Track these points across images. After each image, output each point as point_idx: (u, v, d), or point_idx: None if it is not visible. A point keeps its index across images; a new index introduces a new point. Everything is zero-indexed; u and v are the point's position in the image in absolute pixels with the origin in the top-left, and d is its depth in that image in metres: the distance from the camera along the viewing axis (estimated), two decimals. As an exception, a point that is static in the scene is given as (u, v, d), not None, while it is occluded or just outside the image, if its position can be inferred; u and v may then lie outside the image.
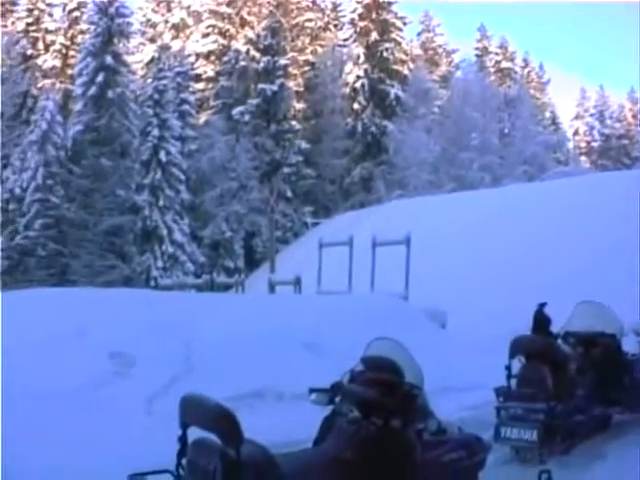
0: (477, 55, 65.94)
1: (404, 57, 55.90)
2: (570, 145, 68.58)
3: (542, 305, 9.99)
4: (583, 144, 69.63)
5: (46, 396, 10.01)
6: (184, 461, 4.38)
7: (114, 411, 9.87)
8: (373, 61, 53.60)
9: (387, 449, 4.81)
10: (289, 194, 47.02)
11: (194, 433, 4.41)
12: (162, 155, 40.12)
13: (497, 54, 67.93)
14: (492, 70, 65.82)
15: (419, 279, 21.45)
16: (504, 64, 67.31)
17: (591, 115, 69.88)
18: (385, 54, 53.78)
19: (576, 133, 70.44)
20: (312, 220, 46.70)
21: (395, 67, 54.11)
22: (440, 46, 67.05)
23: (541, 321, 9.82)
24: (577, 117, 70.89)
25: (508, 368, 9.12)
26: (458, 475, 5.16)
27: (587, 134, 69.68)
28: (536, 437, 8.48)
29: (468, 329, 17.87)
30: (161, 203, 39.67)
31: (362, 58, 53.48)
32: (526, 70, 69.85)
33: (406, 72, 54.94)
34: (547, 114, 68.03)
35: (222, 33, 52.84)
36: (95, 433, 9.02)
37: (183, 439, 4.40)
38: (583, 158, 67.92)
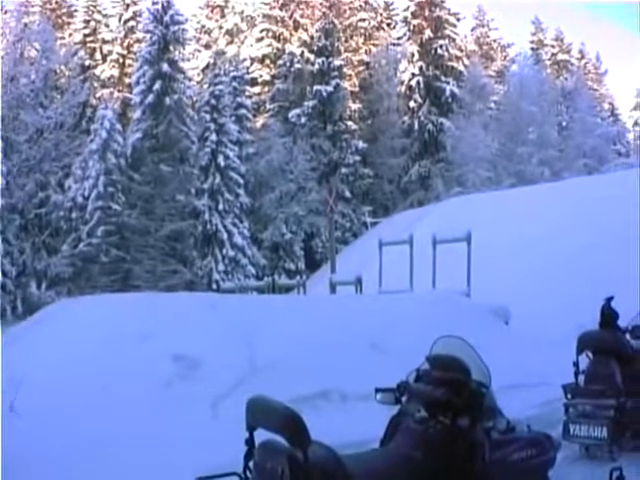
0: (532, 48, 65.18)
1: (459, 53, 55.51)
2: (630, 136, 67.30)
3: (609, 299, 9.78)
4: (644, 135, 68.46)
5: (112, 400, 10.15)
6: (251, 463, 4.39)
7: (179, 414, 9.97)
8: (428, 58, 53.32)
9: (455, 448, 4.76)
10: (347, 194, 47.02)
11: (261, 435, 4.41)
12: (220, 159, 40.36)
13: (553, 46, 67.12)
14: (548, 63, 65.03)
15: (481, 276, 21.28)
16: (560, 56, 66.48)
17: (651, 105, 68.74)
18: (439, 51, 53.46)
19: (636, 124, 69.09)
20: (371, 220, 46.62)
21: (450, 64, 53.76)
22: (495, 41, 66.50)
23: (608, 316, 9.61)
24: (636, 108, 69.65)
25: (576, 364, 8.99)
26: (528, 473, 5.09)
27: (647, 125, 68.53)
28: (606, 434, 8.35)
29: (532, 325, 17.71)
30: (221, 207, 39.92)
31: (416, 56, 53.22)
32: (583, 62, 68.90)
33: (461, 68, 54.56)
34: (606, 105, 67.02)
35: (276, 37, 53.04)
36: (161, 436, 9.12)
37: (250, 441, 4.40)
38: (644, 149, 66.77)
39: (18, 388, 10.74)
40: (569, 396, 8.90)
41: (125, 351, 11.44)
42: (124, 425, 9.47)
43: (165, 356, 11.35)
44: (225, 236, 39.49)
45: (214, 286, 35.68)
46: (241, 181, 41.54)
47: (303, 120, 48.14)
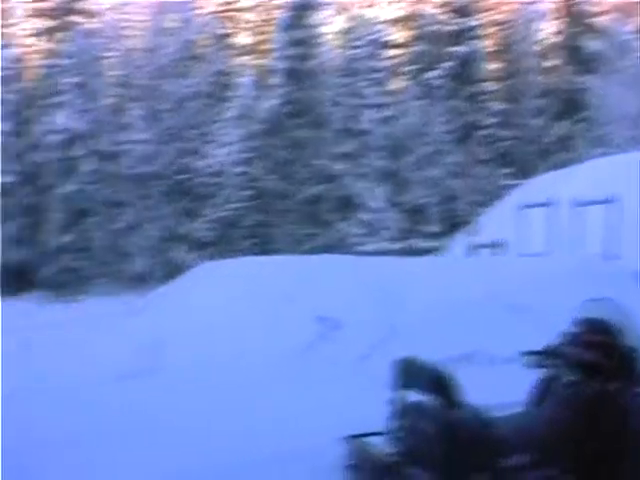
0: (679, 1, 62.53)
1: (599, 9, 53.71)
2: None
3: None
4: None
5: (255, 360, 10.37)
6: (398, 424, 4.42)
7: (322, 374, 10.09)
8: (567, 16, 51.81)
9: (604, 413, 4.68)
10: (486, 156, 46.32)
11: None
12: (357, 123, 40.43)
13: (702, -2, 64.25)
14: (696, 16, 62.31)
15: (623, 238, 20.70)
16: None
17: None
18: (579, 8, 51.88)
19: None
20: (510, 182, 45.81)
21: (590, 20, 52.11)
22: (638, -6, 64.07)
23: None
24: None
25: None
26: None
27: None
28: None
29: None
30: (358, 171, 40.02)
31: (555, 13, 51.83)
32: None
33: (602, 25, 52.80)
34: None
35: (411, -3, 52.54)
36: (304, 397, 9.25)
37: (399, 402, 4.43)
38: None
39: (161, 349, 11.13)
40: None
41: (268, 313, 11.67)
42: (266, 386, 9.66)
43: (307, 318, 11.52)
44: (363, 199, 39.61)
45: (352, 249, 35.90)
46: (378, 144, 41.51)
47: (440, 82, 47.59)
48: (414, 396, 4.34)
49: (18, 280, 31.74)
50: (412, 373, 4.36)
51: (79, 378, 11.12)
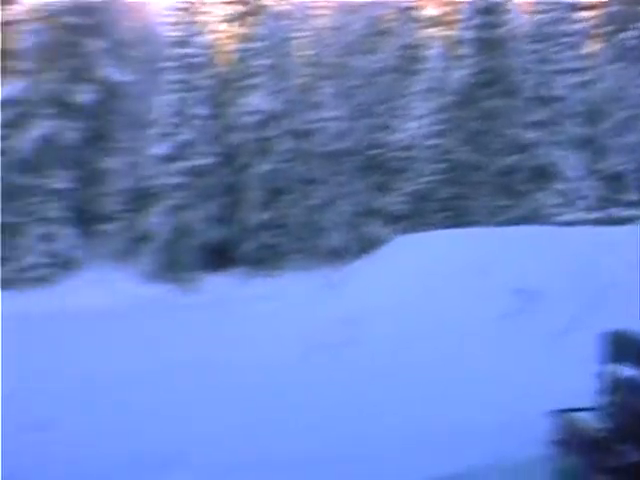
0: None
1: None
2: None
3: None
4: None
5: (454, 332, 10.43)
6: (608, 399, 4.34)
7: (521, 347, 10.03)
8: None
9: None
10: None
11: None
12: (550, 90, 39.37)
13: None
14: None
15: None
16: None
17: None
18: None
19: None
20: None
21: None
22: None
23: None
24: None
25: None
26: None
27: None
28: None
29: None
30: (553, 139, 39.03)
31: None
32: None
33: None
34: None
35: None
36: (504, 368, 9.21)
37: (608, 376, 4.35)
38: None
39: (359, 321, 11.35)
40: None
41: (464, 285, 11.68)
42: (464, 358, 9.71)
43: (503, 290, 11.46)
44: (559, 168, 38.63)
45: (549, 220, 35.13)
46: (573, 111, 40.33)
47: (636, 43, 45.63)
48: (625, 370, 4.26)
49: (220, 257, 33.04)
50: (623, 346, 4.27)
51: (277, 347, 11.51)
